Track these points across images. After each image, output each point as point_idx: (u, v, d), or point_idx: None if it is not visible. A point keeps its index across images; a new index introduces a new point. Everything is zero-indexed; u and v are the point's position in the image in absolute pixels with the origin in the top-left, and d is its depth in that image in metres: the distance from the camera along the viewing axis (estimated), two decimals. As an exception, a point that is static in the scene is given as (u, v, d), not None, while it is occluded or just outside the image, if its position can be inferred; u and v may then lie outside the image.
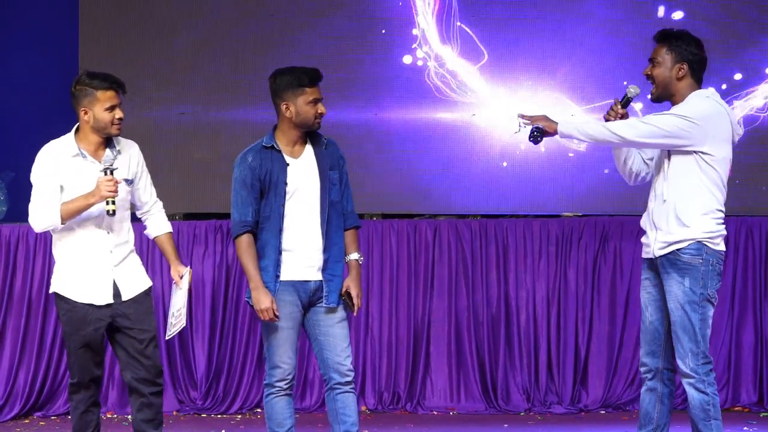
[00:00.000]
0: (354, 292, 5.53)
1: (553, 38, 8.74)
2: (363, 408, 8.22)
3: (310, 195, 5.51)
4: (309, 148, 5.57)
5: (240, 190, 5.48)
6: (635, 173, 5.71)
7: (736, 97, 8.62)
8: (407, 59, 8.81)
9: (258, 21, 8.85)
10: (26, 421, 8.09)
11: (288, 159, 5.51)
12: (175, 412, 8.19)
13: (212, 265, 8.28)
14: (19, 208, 8.70)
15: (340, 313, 5.56)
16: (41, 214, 5.60)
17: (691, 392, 5.42)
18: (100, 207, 5.58)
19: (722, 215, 5.50)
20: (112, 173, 5.55)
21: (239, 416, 8.13)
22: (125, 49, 8.64)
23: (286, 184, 5.47)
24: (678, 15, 8.69)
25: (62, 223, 5.59)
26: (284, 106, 5.50)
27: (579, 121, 5.46)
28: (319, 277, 5.52)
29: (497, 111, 8.72)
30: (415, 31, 8.82)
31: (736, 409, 8.21)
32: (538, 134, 5.50)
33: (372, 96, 8.81)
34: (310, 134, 5.59)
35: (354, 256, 5.61)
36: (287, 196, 5.47)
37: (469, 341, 8.28)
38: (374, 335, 8.31)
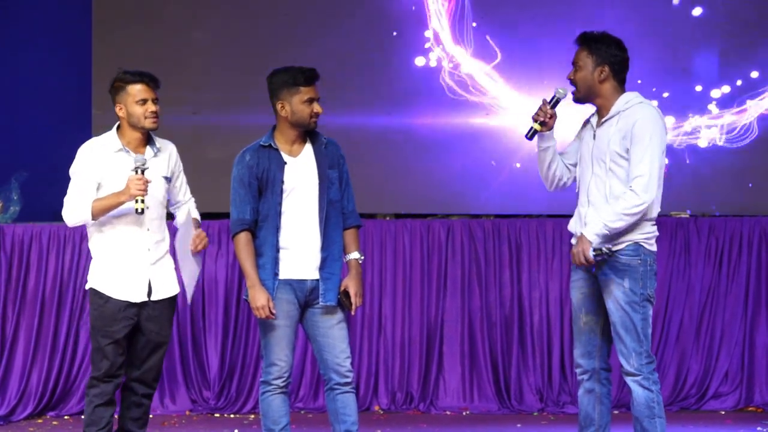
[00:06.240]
0: (352, 291, 5.55)
1: (568, 36, 8.73)
2: (376, 408, 8.22)
3: (308, 193, 5.53)
4: (308, 148, 5.59)
5: (238, 189, 5.53)
6: (558, 178, 5.64)
7: (750, 96, 8.58)
8: (420, 61, 8.82)
9: (272, 21, 8.86)
10: (39, 420, 8.08)
11: (286, 158, 5.54)
12: (187, 412, 8.20)
13: (225, 265, 8.28)
14: (32, 208, 8.72)
15: (339, 314, 5.57)
16: (73, 209, 5.63)
17: (636, 389, 5.42)
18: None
19: (656, 215, 5.47)
20: (142, 172, 5.57)
21: (252, 416, 8.13)
22: (138, 48, 8.65)
23: (282, 182, 5.49)
24: (697, 11, 8.66)
25: (93, 219, 5.62)
26: (280, 105, 5.53)
27: (597, 223, 5.40)
28: (316, 275, 5.53)
29: (511, 111, 8.72)
30: (427, 33, 8.84)
31: (750, 409, 8.19)
32: (602, 255, 5.40)
33: (385, 97, 8.82)
34: (310, 134, 5.61)
35: (354, 255, 5.62)
36: (284, 195, 5.50)
37: (482, 341, 8.27)
38: (387, 335, 8.30)
